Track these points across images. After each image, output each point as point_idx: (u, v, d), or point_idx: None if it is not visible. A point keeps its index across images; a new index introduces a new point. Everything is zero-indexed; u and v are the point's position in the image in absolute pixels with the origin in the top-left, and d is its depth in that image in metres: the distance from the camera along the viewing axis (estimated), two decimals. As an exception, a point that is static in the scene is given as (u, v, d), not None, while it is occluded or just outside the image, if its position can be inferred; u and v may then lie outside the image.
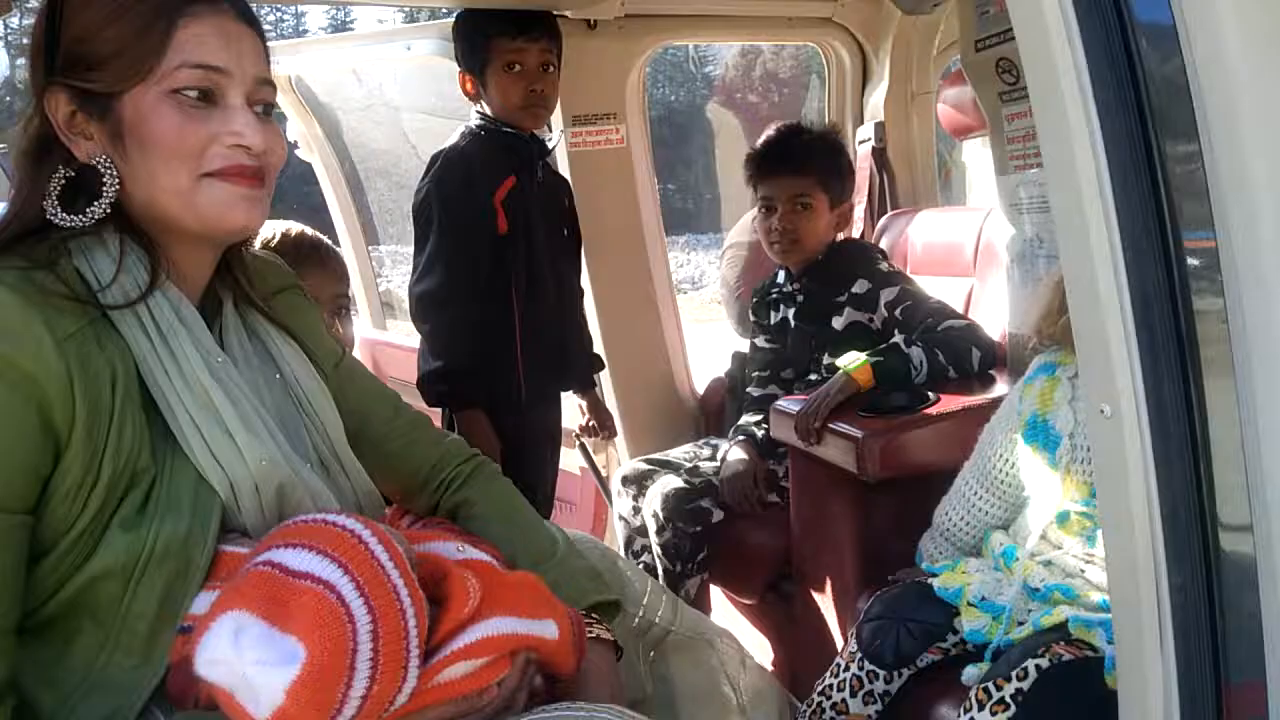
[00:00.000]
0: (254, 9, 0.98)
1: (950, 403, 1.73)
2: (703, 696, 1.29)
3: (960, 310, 2.32)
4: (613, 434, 2.38)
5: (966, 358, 1.87)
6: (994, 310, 2.21)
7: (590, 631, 1.09)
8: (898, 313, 1.99)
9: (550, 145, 2.15)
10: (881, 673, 1.34)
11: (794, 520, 1.94)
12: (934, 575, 1.43)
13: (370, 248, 3.50)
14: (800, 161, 2.09)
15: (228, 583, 0.86)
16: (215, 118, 0.91)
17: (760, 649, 2.11)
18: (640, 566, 2.17)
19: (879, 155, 2.65)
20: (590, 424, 2.34)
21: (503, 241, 1.99)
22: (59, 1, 0.92)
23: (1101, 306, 0.85)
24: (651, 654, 1.34)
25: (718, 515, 2.05)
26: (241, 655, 0.76)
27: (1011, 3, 0.86)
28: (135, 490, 0.87)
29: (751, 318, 2.32)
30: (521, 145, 2.05)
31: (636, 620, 1.32)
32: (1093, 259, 0.85)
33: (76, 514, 0.86)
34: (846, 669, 1.36)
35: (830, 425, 1.73)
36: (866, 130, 2.67)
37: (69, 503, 0.85)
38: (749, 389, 2.27)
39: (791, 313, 2.18)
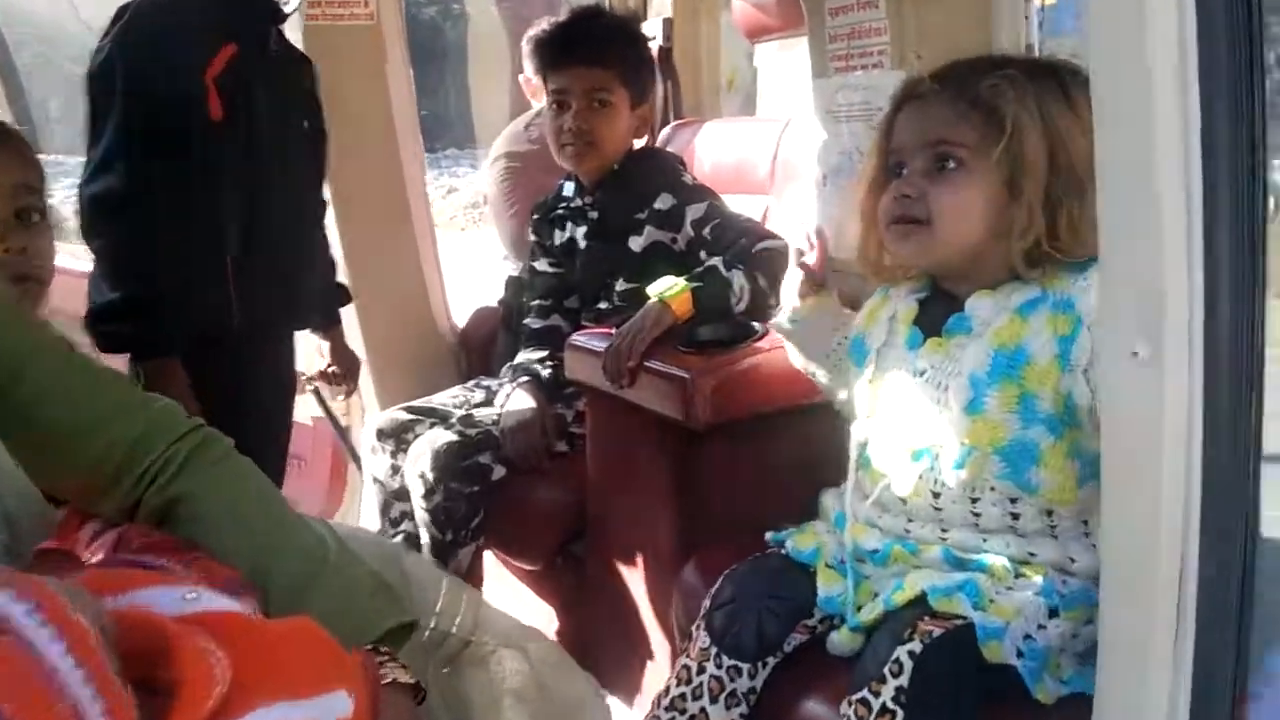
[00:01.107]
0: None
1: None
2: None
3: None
4: (356, 384, 1.96)
5: (780, 282, 1.62)
6: (795, 230, 2.01)
7: (384, 674, 0.74)
8: (706, 232, 1.72)
9: (287, 9, 1.65)
10: (745, 666, 1.09)
11: (591, 473, 1.65)
12: (781, 545, 1.19)
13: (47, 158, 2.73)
14: (600, 50, 1.75)
15: None
16: None
17: (545, 620, 1.82)
18: (400, 537, 1.79)
19: (665, 57, 2.35)
20: (331, 370, 1.91)
21: (215, 130, 1.51)
22: None
23: (1157, 202, 0.60)
24: (446, 670, 1.02)
25: (499, 472, 1.71)
26: None
27: None
28: None
29: (532, 237, 1.97)
30: (245, 4, 1.57)
31: (428, 633, 1.00)
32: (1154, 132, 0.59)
33: None
34: (701, 670, 1.09)
35: (646, 364, 1.44)
36: (653, 27, 2.36)
37: None
38: (527, 320, 1.93)
39: (581, 231, 1.85)
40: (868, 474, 1.12)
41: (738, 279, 1.57)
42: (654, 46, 2.33)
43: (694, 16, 2.38)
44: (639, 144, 1.94)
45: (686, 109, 2.42)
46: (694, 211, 1.74)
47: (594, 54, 1.75)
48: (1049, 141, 1.00)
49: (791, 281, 1.26)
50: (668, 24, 2.34)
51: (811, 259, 1.25)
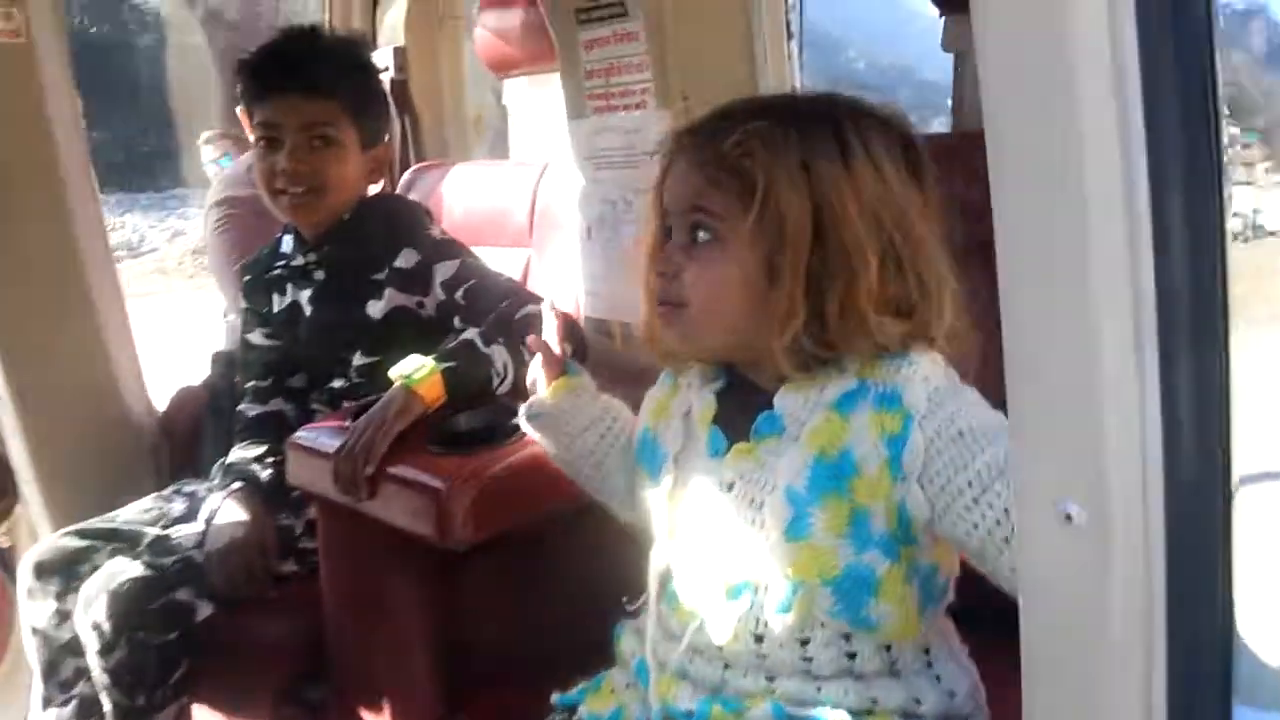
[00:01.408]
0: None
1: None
2: None
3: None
4: (14, 501, 1.51)
5: None
6: (560, 287, 1.80)
7: None
8: (458, 295, 1.46)
9: None
10: None
11: (327, 600, 1.34)
12: (570, 707, 0.95)
13: None
14: (318, 77, 1.46)
15: None
16: None
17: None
18: (74, 704, 1.38)
19: (400, 90, 2.08)
20: None
21: None
22: None
23: (1093, 306, 0.42)
24: None
25: (205, 610, 1.34)
26: None
27: None
28: None
29: (243, 304, 1.62)
30: None
31: None
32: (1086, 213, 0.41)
33: None
34: None
35: (389, 470, 1.16)
36: (384, 57, 2.08)
37: None
38: (242, 406, 1.58)
39: (306, 295, 1.54)
40: (674, 612, 0.90)
41: (499, 355, 1.31)
42: (386, 79, 2.06)
43: (431, 46, 2.13)
44: (374, 190, 1.66)
45: (429, 150, 2.16)
46: (443, 270, 1.48)
47: (311, 81, 1.46)
48: (814, 207, 0.81)
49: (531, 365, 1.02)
50: (400, 53, 2.08)
51: (550, 333, 1.01)
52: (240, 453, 1.50)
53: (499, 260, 1.89)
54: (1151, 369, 0.41)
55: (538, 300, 1.42)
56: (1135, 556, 0.43)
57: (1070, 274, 0.42)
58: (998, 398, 0.56)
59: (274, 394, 1.57)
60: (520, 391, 1.28)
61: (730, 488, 0.87)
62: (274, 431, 1.51)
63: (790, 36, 1.72)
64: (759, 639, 0.85)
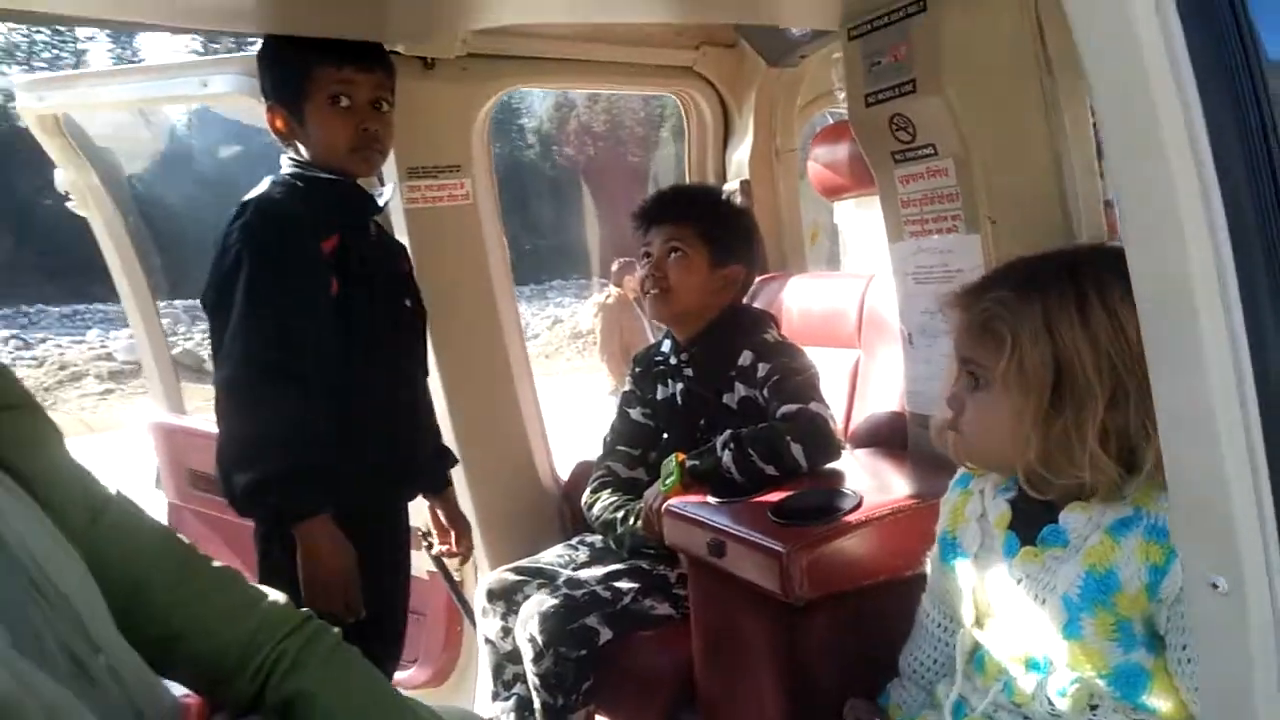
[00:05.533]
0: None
1: (879, 504, 1.51)
2: None
3: (846, 385, 2.18)
4: (471, 546, 2.02)
5: (785, 453, 1.69)
6: (885, 386, 2.05)
7: None
8: (765, 390, 1.82)
9: (382, 200, 1.77)
10: None
11: (696, 640, 1.68)
12: (893, 728, 1.20)
13: (163, 304, 2.96)
14: (681, 211, 1.95)
15: None
16: None
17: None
18: (513, 700, 1.85)
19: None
20: (447, 537, 1.96)
21: (335, 307, 1.61)
22: None
23: (1218, 441, 0.64)
24: None
25: (606, 635, 1.76)
26: None
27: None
28: None
29: (628, 386, 2.07)
30: (349, 197, 1.69)
31: None
32: (1208, 387, 0.64)
33: None
34: None
35: (741, 534, 1.49)
36: (732, 188, 2.50)
37: None
38: (610, 462, 2.02)
39: (679, 388, 1.95)
40: (980, 674, 1.12)
41: (728, 457, 1.70)
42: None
43: (770, 177, 2.51)
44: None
45: (771, 264, 2.52)
46: (764, 368, 1.84)
47: (675, 213, 1.95)
48: (1055, 360, 0.98)
49: None
50: (745, 185, 2.48)
51: None
52: (610, 513, 1.93)
53: (831, 360, 2.19)
54: (1264, 482, 0.62)
55: (809, 400, 1.78)
56: (1265, 622, 0.63)
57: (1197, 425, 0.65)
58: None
59: (640, 463, 1.99)
60: (751, 477, 1.68)
61: (1018, 582, 1.07)
62: (634, 491, 1.94)
63: (1101, 155, 1.84)
64: (1051, 702, 1.04)
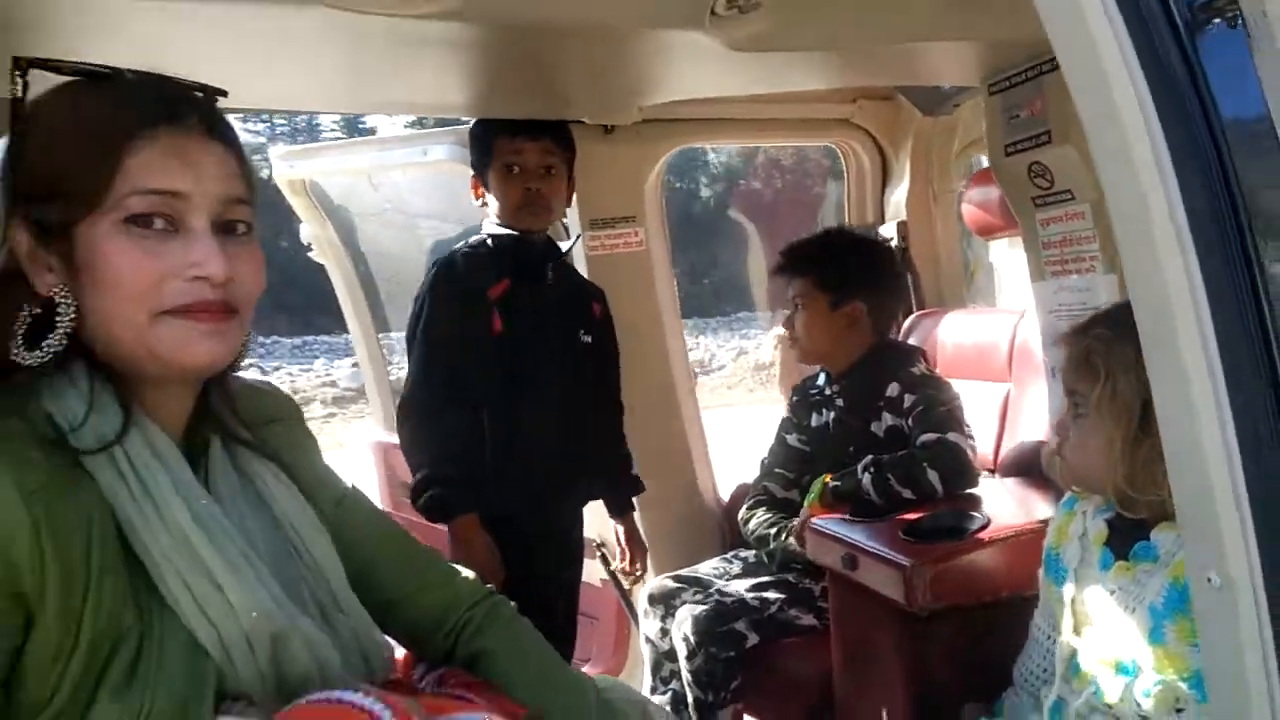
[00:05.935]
0: (232, 123, 0.92)
1: (1004, 526, 1.62)
2: None
3: (996, 417, 2.26)
4: (645, 566, 2.24)
5: (923, 479, 1.83)
6: (1035, 418, 2.13)
7: None
8: (910, 420, 1.95)
9: (564, 249, 2.10)
10: None
11: (835, 648, 1.83)
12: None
13: (381, 335, 3.42)
14: (798, 267, 2.13)
15: None
16: (174, 248, 0.84)
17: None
18: (669, 695, 2.05)
19: (902, 255, 2.60)
20: (624, 554, 2.21)
21: (497, 343, 1.94)
22: (21, 130, 0.87)
23: (1202, 457, 0.77)
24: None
25: (753, 639, 1.94)
26: None
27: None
28: (122, 651, 0.80)
29: (786, 413, 2.25)
30: (524, 247, 2.00)
31: None
32: (1190, 394, 0.77)
33: (54, 686, 0.77)
34: None
35: (871, 549, 1.64)
36: (889, 230, 2.63)
37: (46, 674, 0.77)
38: (768, 482, 2.20)
39: (831, 417, 2.11)
40: (1076, 678, 1.23)
41: (867, 481, 1.85)
42: (892, 247, 2.60)
43: (928, 219, 2.62)
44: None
45: (929, 299, 2.63)
46: (909, 399, 1.97)
47: (791, 270, 2.14)
48: (1144, 390, 1.03)
49: None
50: (902, 225, 2.61)
51: None
52: (764, 529, 2.11)
53: (982, 393, 2.28)
54: (1241, 490, 0.74)
55: (948, 430, 1.89)
56: (1248, 602, 0.75)
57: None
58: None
59: (794, 485, 2.16)
60: (890, 501, 1.83)
61: (1112, 594, 1.19)
62: (788, 511, 2.11)
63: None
64: (1139, 703, 1.14)
